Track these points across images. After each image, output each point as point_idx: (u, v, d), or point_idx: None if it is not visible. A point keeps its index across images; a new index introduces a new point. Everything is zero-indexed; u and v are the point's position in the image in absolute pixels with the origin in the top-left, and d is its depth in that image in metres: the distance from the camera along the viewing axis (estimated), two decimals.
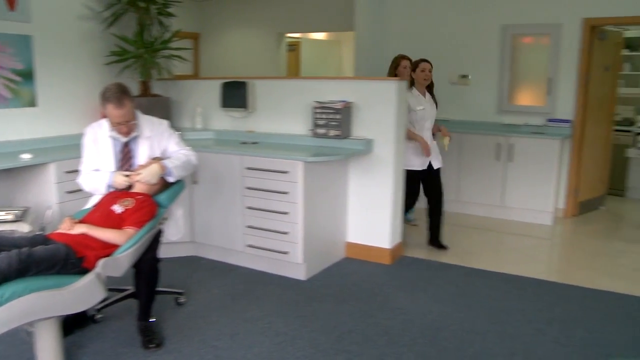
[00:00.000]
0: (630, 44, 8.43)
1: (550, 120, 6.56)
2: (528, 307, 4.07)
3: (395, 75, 5.33)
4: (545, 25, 6.52)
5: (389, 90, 4.70)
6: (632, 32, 8.14)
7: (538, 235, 6.00)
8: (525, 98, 6.82)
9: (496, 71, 6.86)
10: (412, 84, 5.14)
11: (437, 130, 5.37)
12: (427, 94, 5.22)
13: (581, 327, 3.76)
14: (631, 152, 7.85)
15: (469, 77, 6.98)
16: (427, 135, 5.18)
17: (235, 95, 5.35)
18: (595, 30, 6.40)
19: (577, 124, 6.50)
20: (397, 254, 5.07)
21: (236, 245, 4.77)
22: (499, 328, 3.71)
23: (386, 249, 4.93)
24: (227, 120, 5.52)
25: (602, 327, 3.77)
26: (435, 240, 5.42)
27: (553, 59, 6.52)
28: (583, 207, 6.85)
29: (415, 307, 4.04)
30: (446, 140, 5.31)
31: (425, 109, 5.14)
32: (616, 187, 7.93)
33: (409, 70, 5.29)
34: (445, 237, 5.56)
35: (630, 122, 8.24)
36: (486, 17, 6.82)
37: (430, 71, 5.14)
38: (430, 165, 5.23)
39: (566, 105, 6.51)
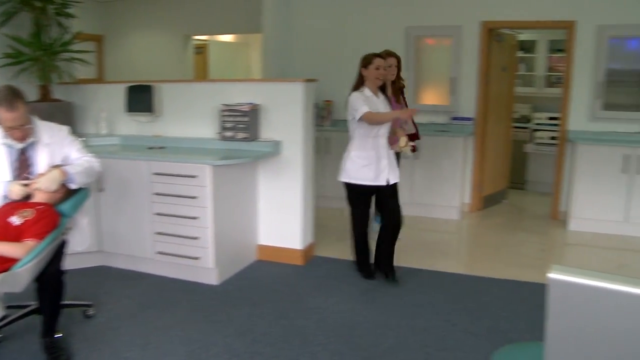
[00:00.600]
0: (524, 46, 8.89)
1: (454, 119, 6.82)
2: (438, 300, 4.21)
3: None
4: (446, 27, 6.78)
5: (296, 91, 4.73)
6: (525, 35, 8.59)
7: (446, 230, 6.23)
8: (430, 97, 7.05)
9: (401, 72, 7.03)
10: (361, 83, 4.37)
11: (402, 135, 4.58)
12: (381, 95, 4.51)
13: (489, 315, 3.93)
14: (529, 148, 8.28)
15: None
16: (381, 144, 4.38)
17: (141, 99, 5.22)
18: (492, 33, 6.71)
19: (479, 122, 6.79)
20: (309, 255, 5.12)
21: (146, 253, 4.66)
22: (411, 322, 3.82)
23: (298, 249, 4.96)
24: (133, 125, 5.38)
25: (508, 314, 3.96)
26: (389, 268, 4.58)
27: (455, 60, 6.79)
28: (487, 201, 7.16)
29: (328, 306, 4.10)
30: (402, 142, 4.50)
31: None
32: (517, 181, 8.34)
33: (394, 69, 4.95)
34: (340, 234, 5.62)
35: (527, 119, 8.71)
36: (391, 19, 7.00)
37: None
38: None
39: (468, 104, 6.79)
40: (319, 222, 5.78)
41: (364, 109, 4.19)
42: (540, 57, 9.04)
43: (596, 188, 6.07)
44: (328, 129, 7.04)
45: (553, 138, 7.84)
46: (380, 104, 4.42)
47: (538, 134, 8.36)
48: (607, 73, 6.32)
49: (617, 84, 6.35)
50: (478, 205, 7.01)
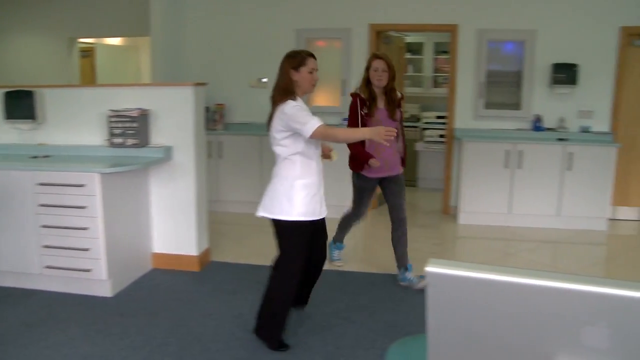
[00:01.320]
0: (412, 48, 9.25)
1: (344, 120, 6.92)
2: (336, 298, 4.30)
3: (367, 81, 4.37)
4: (335, 29, 6.92)
5: (186, 95, 4.68)
6: (412, 38, 8.93)
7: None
8: (322, 99, 7.16)
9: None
10: (291, 90, 3.34)
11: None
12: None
13: (385, 310, 4.06)
14: (419, 146, 8.61)
15: (266, 80, 7.02)
16: (321, 167, 3.52)
17: (21, 105, 4.96)
18: (380, 35, 6.93)
19: None
20: (205, 260, 5.07)
21: (32, 268, 4.44)
22: (310, 321, 3.87)
23: (193, 256, 4.90)
24: (13, 134, 5.10)
25: (405, 308, 4.11)
26: (304, 299, 4.00)
27: (345, 62, 6.94)
28: (381, 199, 7.36)
29: (225, 311, 4.08)
30: (335, 157, 3.75)
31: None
32: (409, 178, 8.62)
33: (381, 74, 4.29)
34: (235, 238, 5.66)
35: (417, 119, 9.05)
36: (281, 21, 7.06)
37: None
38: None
39: None
40: (214, 226, 5.74)
41: (314, 123, 3.17)
42: (427, 58, 9.44)
43: (482, 182, 6.42)
44: (221, 132, 6.99)
45: (441, 136, 8.20)
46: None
47: (427, 132, 8.71)
48: (487, 74, 6.71)
49: (496, 84, 6.75)
50: (373, 203, 7.19)
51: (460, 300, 1.01)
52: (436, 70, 9.44)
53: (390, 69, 4.29)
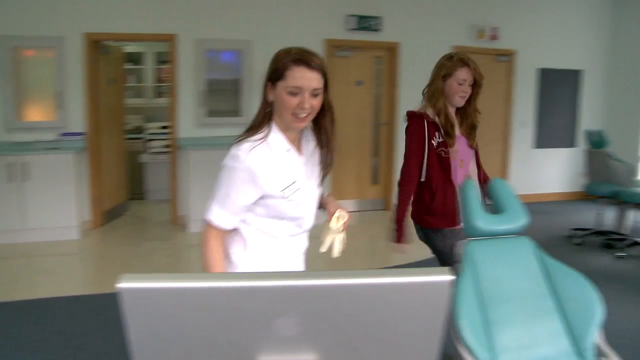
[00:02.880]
0: (132, 58, 9.08)
1: (63, 135, 6.58)
2: (67, 327, 4.04)
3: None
4: (47, 38, 6.46)
5: None
6: (132, 47, 8.79)
7: (67, 251, 5.99)
8: (36, 113, 6.65)
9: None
10: (266, 119, 2.00)
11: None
12: (310, 146, 2.27)
13: (120, 332, 3.93)
14: (144, 157, 8.50)
15: None
16: None
17: None
18: (97, 45, 6.68)
19: (91, 136, 6.68)
20: None
21: None
22: (36, 359, 3.60)
23: None
24: None
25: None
26: None
27: (60, 73, 6.53)
28: (109, 215, 7.11)
29: None
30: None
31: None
32: (136, 191, 8.47)
33: (467, 89, 3.05)
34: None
35: (141, 130, 8.92)
36: None
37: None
38: None
39: (78, 118, 6.63)
40: None
41: (214, 212, 2.04)
42: (149, 68, 9.35)
43: (209, 190, 6.54)
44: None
45: (167, 146, 8.19)
46: (299, 171, 2.03)
47: (152, 143, 8.63)
48: (207, 83, 6.90)
49: (217, 92, 6.99)
50: (100, 220, 6.91)
51: (161, 311, 1.00)
52: (158, 80, 9.40)
53: (477, 82, 3.07)
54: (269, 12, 7.08)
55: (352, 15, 7.36)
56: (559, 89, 8.80)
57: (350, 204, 7.82)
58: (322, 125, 2.04)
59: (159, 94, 9.37)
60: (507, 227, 2.46)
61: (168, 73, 7.31)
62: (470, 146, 3.16)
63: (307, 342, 1.03)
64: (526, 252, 2.46)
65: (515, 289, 2.37)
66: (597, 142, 6.68)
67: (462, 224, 2.67)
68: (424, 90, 3.13)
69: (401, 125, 7.79)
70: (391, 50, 7.74)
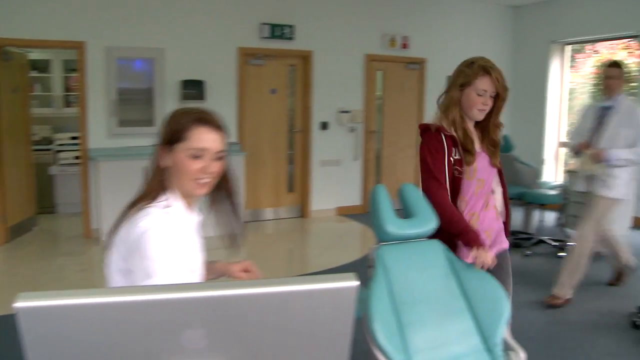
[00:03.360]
0: (38, 65, 8.76)
1: None
2: None
3: (457, 102, 2.71)
4: None
5: None
6: (37, 55, 8.48)
7: None
8: None
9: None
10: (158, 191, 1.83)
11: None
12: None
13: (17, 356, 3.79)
14: (54, 170, 8.22)
15: None
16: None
17: None
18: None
19: None
20: None
21: None
22: None
23: None
24: None
25: None
26: None
27: None
28: (15, 231, 6.82)
29: None
30: None
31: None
32: (46, 205, 8.17)
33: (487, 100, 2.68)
34: None
35: (49, 141, 8.61)
36: None
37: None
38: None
39: None
40: None
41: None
42: (57, 76, 9.03)
43: (124, 201, 6.41)
44: None
45: (77, 157, 7.95)
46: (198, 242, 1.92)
47: (62, 154, 8.36)
48: (118, 92, 6.78)
49: (128, 101, 6.87)
50: (5, 237, 6.62)
51: (61, 331, 0.95)
52: (67, 89, 9.10)
53: (500, 95, 2.70)
54: (182, 20, 7.03)
55: (266, 24, 7.42)
56: None
57: (267, 213, 7.87)
58: (227, 190, 1.90)
59: (68, 103, 9.07)
60: (417, 231, 2.49)
61: (77, 82, 7.12)
62: (493, 164, 2.79)
63: (216, 354, 1.02)
64: (437, 254, 2.51)
65: (427, 291, 2.43)
66: (503, 145, 7.00)
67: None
68: (438, 100, 2.79)
69: (316, 133, 8.04)
70: (305, 59, 7.86)
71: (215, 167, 1.75)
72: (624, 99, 4.60)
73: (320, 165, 8.10)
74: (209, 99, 7.09)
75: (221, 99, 7.24)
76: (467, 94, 2.65)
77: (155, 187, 1.80)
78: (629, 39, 8.71)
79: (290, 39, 7.61)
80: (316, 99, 7.87)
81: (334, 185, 8.11)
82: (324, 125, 7.97)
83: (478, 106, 2.64)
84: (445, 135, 2.66)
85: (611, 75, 4.55)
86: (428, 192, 2.64)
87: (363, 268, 2.36)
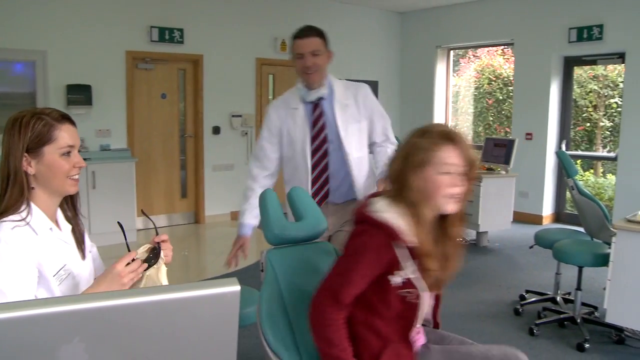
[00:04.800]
0: None
1: None
2: None
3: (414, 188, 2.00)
4: None
5: None
6: None
7: None
8: None
9: None
10: None
11: None
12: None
13: None
14: None
15: None
16: None
17: None
18: None
19: None
20: None
21: None
22: None
23: None
24: None
25: None
26: None
27: None
28: None
29: None
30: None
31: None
32: None
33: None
34: None
35: None
36: None
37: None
38: None
39: None
40: None
41: None
42: None
43: None
44: None
45: None
46: (65, 252, 1.92)
47: None
48: None
49: (8, 107, 6.66)
50: None
51: None
52: None
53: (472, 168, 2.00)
54: (65, 21, 6.92)
55: (155, 27, 7.46)
56: None
57: (161, 219, 7.91)
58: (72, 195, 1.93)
59: None
60: (306, 233, 2.48)
61: None
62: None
63: None
64: (327, 256, 2.51)
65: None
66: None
67: None
68: (382, 176, 2.31)
69: (208, 137, 8.15)
70: (195, 63, 7.94)
71: (82, 160, 1.85)
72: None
73: (213, 170, 8.23)
74: (96, 104, 7.05)
75: (109, 104, 7.22)
76: (427, 177, 1.92)
77: (16, 197, 1.75)
78: (505, 46, 9.51)
79: (180, 42, 7.67)
80: (207, 103, 7.99)
81: (228, 190, 8.23)
82: (216, 130, 8.11)
83: (448, 190, 1.93)
84: (392, 241, 1.91)
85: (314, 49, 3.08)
86: (320, 298, 2.00)
87: (258, 272, 2.41)
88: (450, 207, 1.94)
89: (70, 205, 1.96)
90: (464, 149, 1.92)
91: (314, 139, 3.08)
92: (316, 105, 3.11)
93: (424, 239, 1.91)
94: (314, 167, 3.10)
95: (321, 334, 1.96)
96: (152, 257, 1.84)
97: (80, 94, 6.93)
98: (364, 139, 3.18)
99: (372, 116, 3.21)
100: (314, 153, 3.08)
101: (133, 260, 1.78)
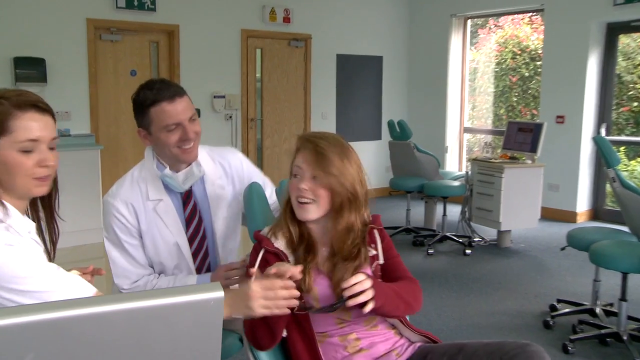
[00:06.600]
0: None
1: None
2: None
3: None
4: None
5: None
6: None
7: None
8: None
9: None
10: None
11: None
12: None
13: None
14: None
15: None
16: None
17: None
18: None
19: None
20: None
21: None
22: None
23: None
24: None
25: None
26: None
27: None
28: None
29: None
30: None
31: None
32: None
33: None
34: None
35: None
36: None
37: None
38: None
39: None
40: None
41: None
42: None
43: None
44: None
45: None
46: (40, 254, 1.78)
47: None
48: None
49: None
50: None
51: None
52: None
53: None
54: None
55: None
56: (360, 77, 8.94)
57: None
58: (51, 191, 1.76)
59: None
60: None
61: None
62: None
63: None
64: None
65: None
66: (399, 133, 6.74)
67: None
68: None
69: None
70: (170, 34, 7.29)
71: (53, 158, 1.60)
72: None
73: None
74: (52, 82, 6.39)
75: (68, 81, 6.58)
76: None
77: None
78: (533, 13, 8.73)
79: (151, 9, 7.00)
80: (185, 82, 7.26)
81: None
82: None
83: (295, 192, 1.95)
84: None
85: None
86: None
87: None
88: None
89: (46, 204, 1.80)
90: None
91: (191, 241, 2.41)
92: (187, 193, 2.39)
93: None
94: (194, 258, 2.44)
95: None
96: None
97: (31, 68, 6.25)
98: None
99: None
100: (194, 257, 2.41)
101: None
